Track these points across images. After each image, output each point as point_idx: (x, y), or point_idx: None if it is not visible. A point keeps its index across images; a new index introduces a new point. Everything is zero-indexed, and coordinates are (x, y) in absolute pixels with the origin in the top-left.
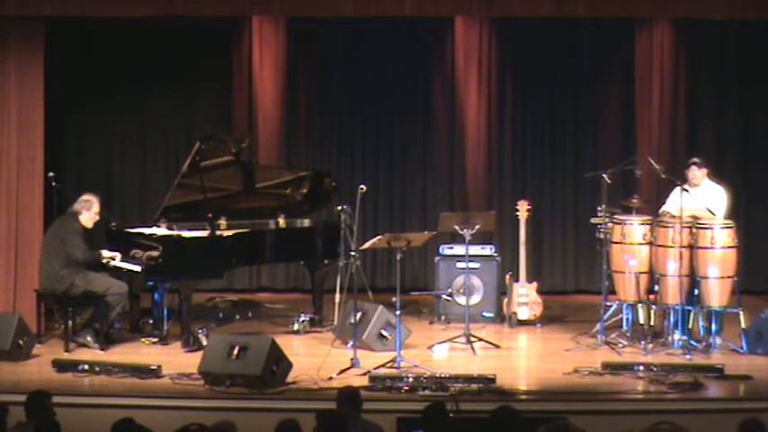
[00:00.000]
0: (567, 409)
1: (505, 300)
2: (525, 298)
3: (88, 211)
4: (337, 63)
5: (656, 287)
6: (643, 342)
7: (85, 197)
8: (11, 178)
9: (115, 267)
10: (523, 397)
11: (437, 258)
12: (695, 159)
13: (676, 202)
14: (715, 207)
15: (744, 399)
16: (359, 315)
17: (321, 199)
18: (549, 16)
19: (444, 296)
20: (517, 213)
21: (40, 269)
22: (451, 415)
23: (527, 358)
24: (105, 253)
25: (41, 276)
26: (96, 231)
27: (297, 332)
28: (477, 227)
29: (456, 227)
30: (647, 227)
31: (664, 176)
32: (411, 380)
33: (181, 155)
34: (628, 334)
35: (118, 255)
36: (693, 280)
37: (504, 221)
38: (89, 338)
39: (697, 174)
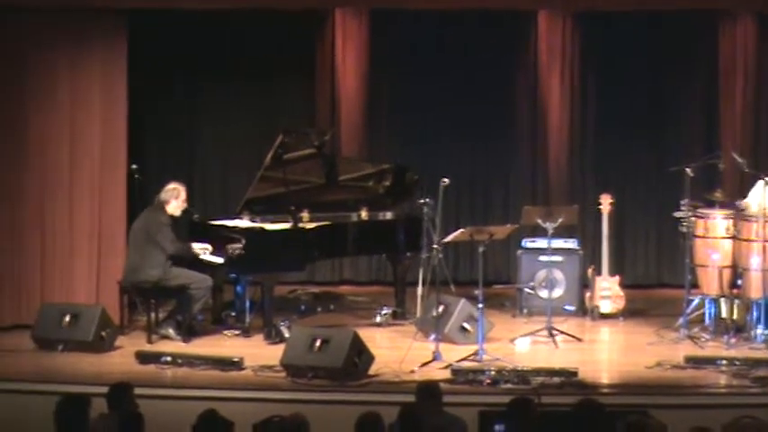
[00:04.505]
0: (648, 403)
1: (588, 293)
2: (608, 291)
3: (176, 200)
4: (420, 56)
5: (740, 281)
6: (726, 336)
7: (172, 185)
8: (94, 171)
9: (203, 261)
10: (605, 390)
11: (519, 252)
12: None
13: (759, 196)
14: None
15: None
16: (441, 308)
17: (403, 192)
18: (632, 10)
19: (527, 289)
20: (600, 207)
21: (125, 262)
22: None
23: (609, 352)
24: (196, 246)
25: (126, 269)
26: (180, 223)
27: (379, 325)
28: (560, 220)
29: (538, 220)
30: (731, 221)
31: (747, 170)
32: (493, 373)
33: (263, 147)
34: (710, 328)
35: (209, 247)
36: None
37: (586, 215)
38: (171, 330)
39: None
